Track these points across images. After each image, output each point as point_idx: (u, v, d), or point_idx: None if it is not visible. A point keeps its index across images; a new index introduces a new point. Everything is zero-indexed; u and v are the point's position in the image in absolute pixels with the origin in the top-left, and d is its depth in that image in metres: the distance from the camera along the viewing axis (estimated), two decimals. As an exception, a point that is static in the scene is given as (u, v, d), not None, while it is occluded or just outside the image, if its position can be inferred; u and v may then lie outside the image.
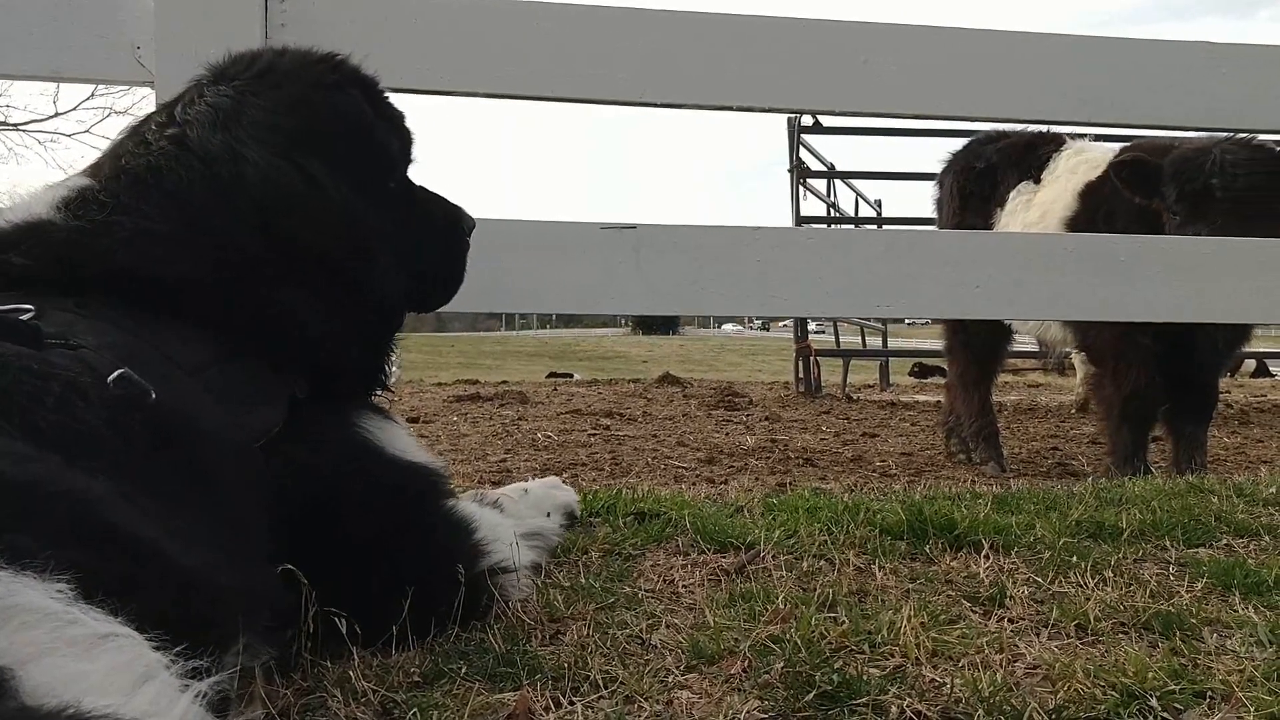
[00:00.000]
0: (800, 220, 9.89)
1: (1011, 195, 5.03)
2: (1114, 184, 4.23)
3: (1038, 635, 1.55)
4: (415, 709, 1.24)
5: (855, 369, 11.00)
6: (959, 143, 5.70)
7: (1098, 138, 5.30)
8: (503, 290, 2.55)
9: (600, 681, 1.33)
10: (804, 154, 9.98)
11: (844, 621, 1.54)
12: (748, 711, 1.25)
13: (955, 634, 1.51)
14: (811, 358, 9.49)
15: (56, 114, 24.23)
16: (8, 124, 20.59)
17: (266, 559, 1.29)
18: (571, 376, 13.86)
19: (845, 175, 10.85)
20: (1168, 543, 2.10)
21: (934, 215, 5.86)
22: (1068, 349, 5.49)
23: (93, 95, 20.11)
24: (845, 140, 12.82)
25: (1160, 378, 4.24)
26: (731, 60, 2.63)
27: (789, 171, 9.89)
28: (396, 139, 1.76)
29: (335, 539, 1.43)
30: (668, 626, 1.57)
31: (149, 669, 0.79)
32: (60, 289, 1.32)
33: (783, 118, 9.75)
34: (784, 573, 1.86)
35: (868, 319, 10.51)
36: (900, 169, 10.65)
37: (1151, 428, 4.45)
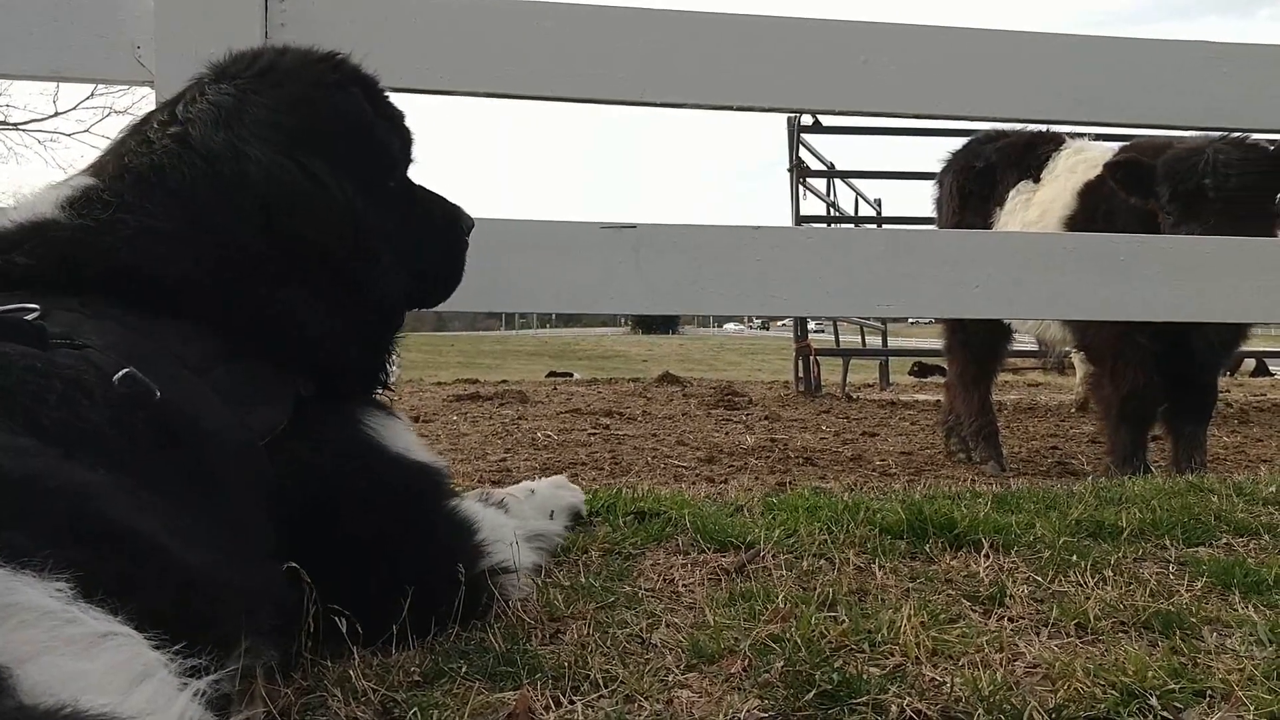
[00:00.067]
0: (800, 220, 9.89)
1: (1011, 194, 5.03)
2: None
3: (1038, 634, 1.55)
4: (415, 708, 1.24)
5: (855, 368, 11.00)
6: (958, 142, 5.70)
7: (1097, 137, 5.30)
8: (502, 290, 2.55)
9: (600, 681, 1.33)
10: (804, 153, 9.98)
11: (844, 621, 1.54)
12: (748, 710, 1.25)
13: (955, 633, 1.51)
14: (811, 357, 9.49)
15: (56, 113, 24.30)
16: (8, 123, 20.62)
17: (270, 558, 1.29)
18: (571, 376, 13.86)
19: (845, 175, 10.85)
20: (1167, 542, 2.10)
21: (934, 215, 5.86)
22: (1067, 348, 5.49)
23: (92, 95, 20.16)
24: (845, 140, 12.83)
25: (1159, 377, 4.24)
26: (731, 60, 2.63)
27: (789, 171, 9.89)
28: (397, 138, 1.76)
29: (336, 537, 1.43)
30: (668, 626, 1.57)
31: (147, 667, 0.79)
32: (64, 288, 1.32)
33: (782, 117, 9.76)
34: (784, 572, 1.86)
35: (868, 318, 10.51)
36: (900, 168, 10.64)
37: (1151, 427, 4.45)
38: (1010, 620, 1.62)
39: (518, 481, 2.48)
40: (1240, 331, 4.24)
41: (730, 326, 70.43)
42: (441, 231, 1.87)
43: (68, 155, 21.02)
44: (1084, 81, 2.77)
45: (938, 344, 6.43)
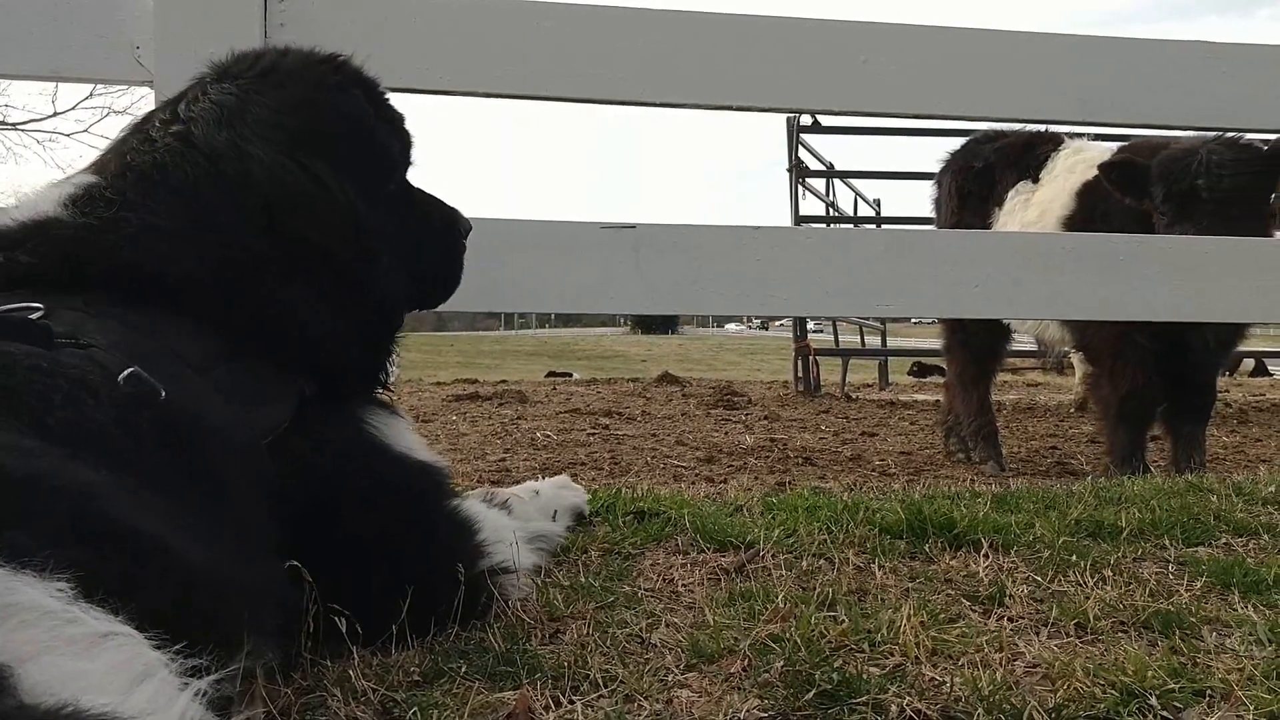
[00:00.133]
0: (799, 220, 9.89)
1: (1010, 195, 5.03)
2: None
3: (1037, 634, 1.55)
4: (415, 708, 1.24)
5: (854, 368, 11.00)
6: (957, 142, 5.70)
7: (1096, 137, 5.30)
8: (502, 290, 2.55)
9: (600, 680, 1.33)
10: (803, 153, 9.98)
11: (844, 620, 1.54)
12: (747, 710, 1.25)
13: (955, 633, 1.51)
14: (810, 357, 9.49)
15: (55, 113, 24.29)
16: (7, 124, 20.61)
17: (272, 557, 1.29)
18: (570, 376, 13.86)
19: (844, 175, 10.85)
20: (1167, 541, 2.10)
21: (932, 215, 5.86)
22: (1066, 348, 5.49)
23: (91, 95, 20.15)
24: (844, 140, 12.84)
25: (1158, 377, 4.24)
26: (731, 60, 2.63)
27: (788, 171, 9.89)
28: (397, 141, 1.76)
29: (337, 537, 1.43)
30: (667, 625, 1.57)
31: (148, 667, 0.79)
32: (67, 287, 1.32)
33: (782, 117, 9.76)
34: (783, 572, 1.86)
35: (867, 319, 10.51)
36: (899, 168, 10.65)
37: (1149, 427, 4.45)
38: (1010, 620, 1.62)
39: (517, 481, 2.49)
40: (1238, 331, 4.25)
41: (731, 327, 70.47)
42: (440, 234, 1.87)
43: (67, 155, 21.02)
44: (1084, 81, 2.77)
45: (937, 344, 6.44)
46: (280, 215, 1.48)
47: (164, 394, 1.16)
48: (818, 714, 1.26)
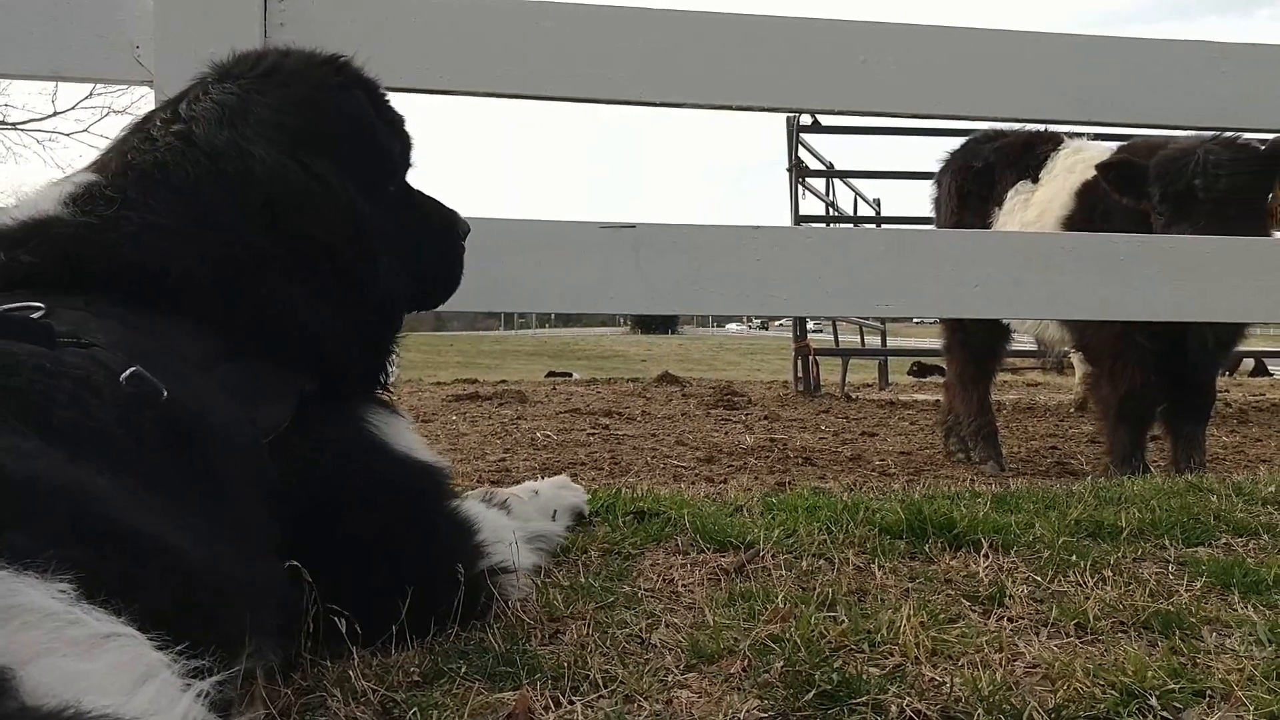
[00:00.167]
0: (799, 220, 9.89)
1: (1009, 194, 5.03)
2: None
3: (1037, 634, 1.55)
4: (415, 708, 1.24)
5: (854, 368, 11.00)
6: (957, 142, 5.69)
7: (1096, 137, 5.30)
8: (502, 289, 2.55)
9: (600, 681, 1.33)
10: (803, 153, 9.98)
11: (843, 620, 1.54)
12: (747, 710, 1.25)
13: (955, 633, 1.51)
14: (810, 357, 9.49)
15: (55, 113, 24.29)
16: (6, 123, 20.61)
17: (273, 557, 1.29)
18: (570, 376, 13.86)
19: (844, 174, 10.86)
20: (1167, 542, 2.10)
21: (932, 215, 5.86)
22: (1066, 348, 5.49)
23: (91, 94, 20.16)
24: (844, 139, 12.84)
25: (1157, 377, 4.24)
26: (731, 60, 2.63)
27: (788, 171, 9.89)
28: (398, 142, 1.77)
29: (337, 536, 1.43)
30: (667, 626, 1.57)
31: (150, 668, 0.79)
32: (68, 285, 1.32)
33: (782, 117, 9.76)
34: (783, 572, 1.86)
35: (867, 318, 10.51)
36: (899, 168, 10.66)
37: (1149, 427, 4.45)
38: (1010, 620, 1.62)
39: (517, 481, 2.48)
40: (1238, 331, 4.25)
41: (733, 327, 70.45)
42: (439, 235, 1.88)
43: (66, 155, 21.04)
44: (1084, 81, 2.77)
45: (937, 344, 6.44)
46: (282, 213, 1.48)
47: (165, 393, 1.16)
48: (818, 714, 1.26)
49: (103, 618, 0.79)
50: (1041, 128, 5.06)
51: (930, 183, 5.81)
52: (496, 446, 5.42)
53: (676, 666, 1.40)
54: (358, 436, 1.55)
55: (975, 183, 5.23)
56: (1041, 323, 4.93)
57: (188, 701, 0.80)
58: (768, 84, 2.66)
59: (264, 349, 1.44)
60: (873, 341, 11.99)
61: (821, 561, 1.94)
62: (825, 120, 9.80)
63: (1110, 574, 1.85)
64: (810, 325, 11.76)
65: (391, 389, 1.78)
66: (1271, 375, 12.73)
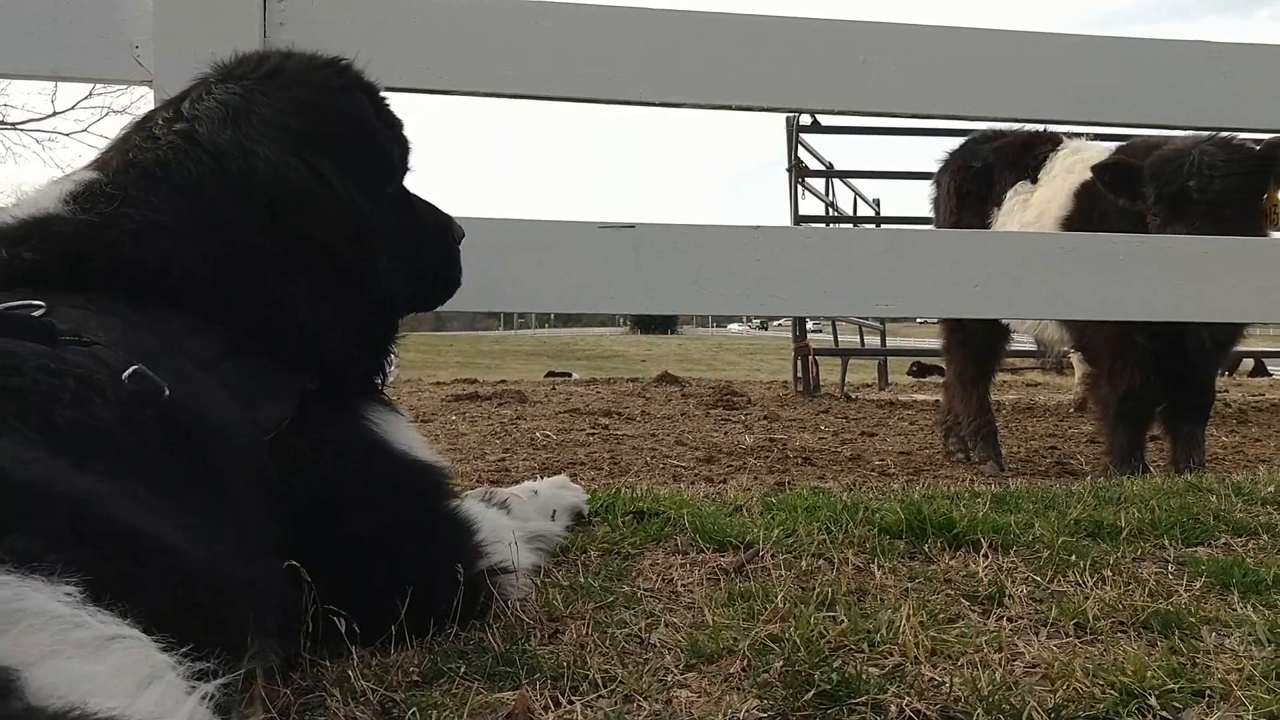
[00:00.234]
0: (798, 220, 9.89)
1: (1008, 195, 5.03)
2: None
3: (1037, 634, 1.55)
4: (414, 708, 1.24)
5: (853, 368, 11.01)
6: (957, 142, 5.69)
7: (1095, 137, 5.30)
8: (501, 290, 2.55)
9: (599, 680, 1.34)
10: (802, 153, 9.98)
11: (843, 620, 1.54)
12: (747, 710, 1.25)
13: (954, 633, 1.51)
14: (810, 357, 9.49)
15: (54, 113, 24.29)
16: (6, 123, 20.61)
17: (274, 557, 1.29)
18: (570, 376, 13.86)
19: (844, 174, 10.85)
20: (1166, 542, 2.10)
21: (932, 215, 5.86)
22: (1065, 348, 5.49)
23: (90, 94, 20.16)
24: (844, 139, 12.84)
25: (1156, 377, 4.24)
26: (730, 60, 2.63)
27: (787, 171, 9.89)
28: (396, 146, 1.77)
29: (337, 536, 1.43)
30: (667, 625, 1.57)
31: (155, 670, 0.79)
32: (69, 283, 1.32)
33: (781, 117, 9.76)
34: (783, 572, 1.86)
35: (867, 318, 10.51)
36: (899, 168, 10.65)
37: (1148, 427, 4.45)
38: (1009, 620, 1.62)
39: (517, 481, 2.48)
40: (1236, 331, 4.25)
41: (734, 327, 70.41)
42: (436, 238, 1.89)
43: (66, 155, 21.04)
44: (1084, 81, 2.78)
45: (936, 344, 6.43)
46: (284, 213, 1.49)
47: (167, 392, 1.16)
48: (817, 714, 1.26)
49: (108, 620, 0.79)
50: (1041, 128, 5.06)
51: (929, 183, 5.81)
52: (496, 446, 5.42)
53: (676, 666, 1.40)
54: (358, 436, 1.56)
55: (974, 183, 5.23)
56: (1041, 323, 4.93)
57: (193, 704, 0.80)
58: (768, 84, 2.66)
59: (265, 347, 1.44)
60: (872, 341, 11.99)
61: (821, 561, 1.94)
62: (825, 120, 9.80)
63: (1110, 574, 1.85)
64: (810, 325, 11.76)
65: (390, 388, 1.78)
66: (1271, 375, 12.74)
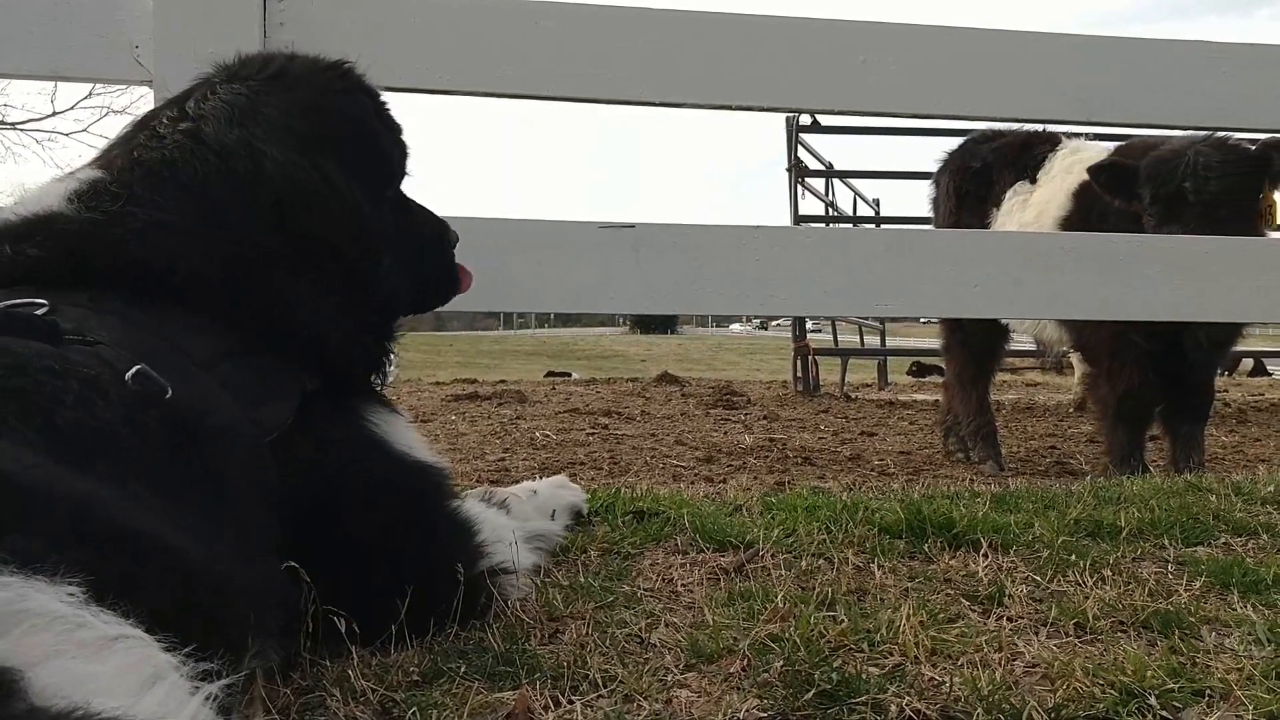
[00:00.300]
0: (799, 219, 9.89)
1: (1007, 195, 5.03)
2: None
3: (1036, 634, 1.55)
4: (414, 708, 1.24)
5: (853, 368, 11.01)
6: (956, 142, 5.69)
7: (1095, 137, 5.30)
8: (501, 289, 2.55)
9: (599, 680, 1.34)
10: (802, 153, 9.98)
11: (843, 620, 1.54)
12: (747, 710, 1.25)
13: (954, 633, 1.51)
14: (810, 357, 9.49)
15: (54, 113, 24.27)
16: (5, 123, 20.60)
17: (275, 557, 1.29)
18: (570, 375, 13.86)
19: (844, 174, 10.86)
20: (1166, 541, 2.10)
21: (931, 215, 5.86)
22: (1064, 348, 5.49)
23: (90, 94, 20.14)
24: (844, 139, 12.84)
25: (1155, 377, 4.24)
26: (730, 60, 2.64)
27: (787, 171, 9.89)
28: (396, 150, 1.78)
29: (337, 536, 1.44)
30: (667, 625, 1.58)
31: (158, 670, 0.79)
32: (73, 282, 1.32)
33: (781, 117, 9.76)
34: (783, 571, 1.86)
35: (867, 318, 10.51)
36: (899, 168, 10.65)
37: (1147, 427, 4.45)
38: (1009, 620, 1.62)
39: (516, 481, 2.49)
40: (1234, 331, 4.24)
41: (735, 327, 70.37)
42: (433, 242, 1.89)
43: (65, 155, 21.03)
44: (1084, 81, 2.78)
45: (936, 344, 6.43)
46: (291, 212, 1.49)
47: (170, 392, 1.16)
48: (817, 714, 1.26)
49: (111, 620, 0.79)
50: (1040, 128, 5.05)
51: (929, 183, 5.81)
52: (496, 446, 5.42)
53: (676, 666, 1.40)
54: (359, 436, 1.56)
55: (973, 183, 5.23)
56: (1040, 323, 4.93)
57: (196, 704, 0.80)
58: (768, 84, 2.66)
59: (270, 346, 1.44)
60: (872, 341, 11.99)
61: (821, 561, 1.94)
62: (825, 120, 9.80)
63: (1109, 574, 1.85)
64: (809, 325, 11.76)
65: (390, 388, 1.78)
66: (1270, 375, 12.74)
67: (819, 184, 10.62)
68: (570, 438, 5.84)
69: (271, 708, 1.21)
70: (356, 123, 1.67)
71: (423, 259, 1.85)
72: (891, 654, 1.44)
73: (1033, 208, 4.82)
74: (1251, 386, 10.81)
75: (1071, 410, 7.60)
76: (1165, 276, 2.84)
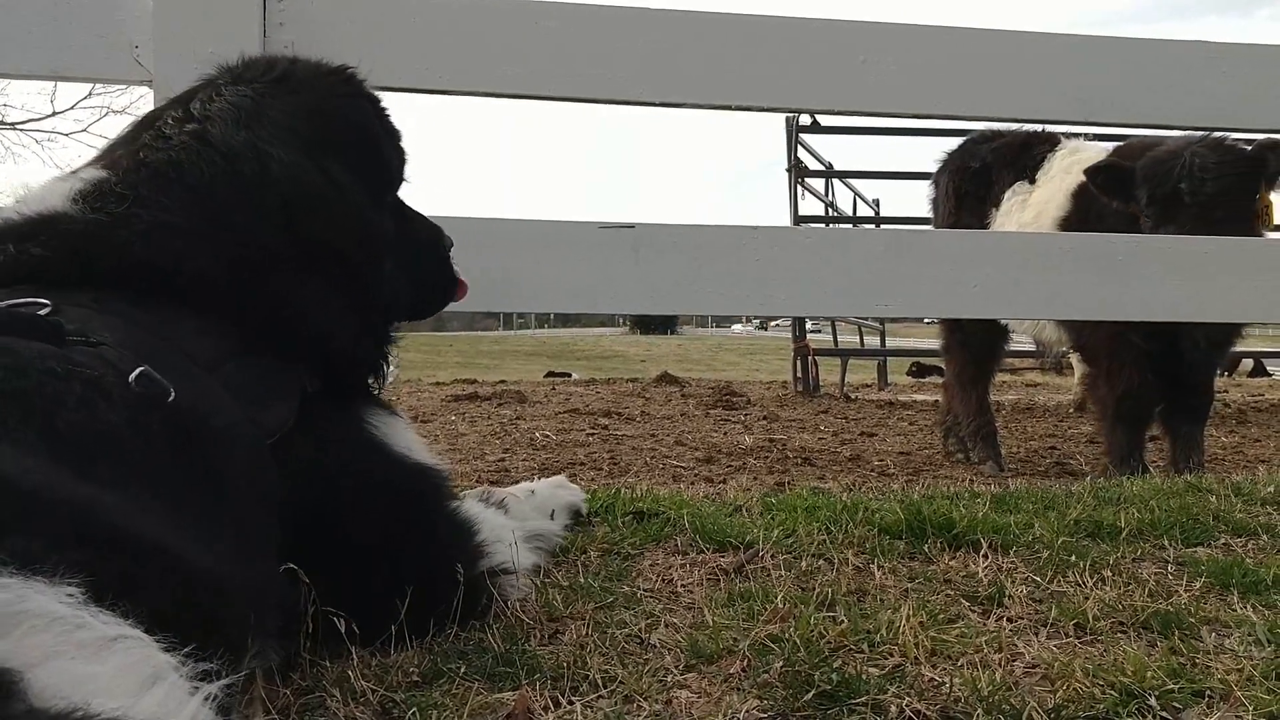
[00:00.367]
0: (798, 220, 9.89)
1: (1007, 195, 5.03)
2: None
3: (1036, 634, 1.55)
4: (414, 708, 1.24)
5: (853, 368, 11.01)
6: (956, 142, 5.69)
7: (1094, 137, 5.29)
8: (501, 290, 2.56)
9: (599, 681, 1.34)
10: (802, 153, 9.98)
11: (843, 621, 1.54)
12: (747, 711, 1.25)
13: (954, 633, 1.51)
14: (809, 357, 9.49)
15: (54, 113, 24.27)
16: (5, 123, 20.59)
17: (275, 558, 1.29)
18: (569, 376, 13.86)
19: (843, 174, 10.86)
20: (1166, 542, 2.10)
21: (930, 215, 5.86)
22: (1064, 348, 5.49)
23: (90, 94, 20.14)
24: (843, 140, 12.84)
25: (1154, 377, 4.23)
26: (730, 60, 2.64)
27: (787, 171, 9.89)
28: (396, 155, 1.78)
29: (337, 537, 1.44)
30: (666, 626, 1.58)
31: (158, 671, 0.79)
32: (77, 282, 1.32)
33: (781, 117, 9.76)
34: (783, 572, 1.86)
35: (866, 319, 10.51)
36: (898, 168, 10.65)
37: (1147, 427, 4.45)
38: (1009, 620, 1.62)
39: (516, 481, 2.49)
40: (1232, 332, 4.24)
41: (736, 328, 70.37)
42: (431, 247, 1.90)
43: (65, 155, 21.02)
44: (1084, 81, 2.78)
45: (936, 344, 6.43)
46: (298, 215, 1.49)
47: (173, 394, 1.16)
48: (817, 714, 1.26)
49: (110, 620, 0.79)
50: (1039, 128, 5.05)
51: (928, 183, 5.80)
52: (495, 446, 5.42)
53: (676, 666, 1.40)
54: (359, 437, 1.56)
55: (973, 183, 5.23)
56: (1039, 323, 4.93)
57: (195, 704, 0.80)
58: (768, 84, 2.66)
59: (273, 347, 1.45)
60: (872, 342, 11.99)
61: (821, 562, 1.94)
62: (824, 120, 9.79)
63: (1109, 574, 1.85)
64: (809, 325, 11.76)
65: (389, 389, 1.79)
66: (1270, 375, 12.74)
67: (819, 184, 10.62)
68: (570, 438, 5.84)
69: (271, 708, 1.21)
70: (360, 127, 1.68)
71: (420, 264, 1.86)
72: (891, 654, 1.44)
73: (1032, 208, 4.82)
74: (1251, 387, 10.81)
75: (1071, 410, 7.60)
76: (1164, 277, 2.84)
